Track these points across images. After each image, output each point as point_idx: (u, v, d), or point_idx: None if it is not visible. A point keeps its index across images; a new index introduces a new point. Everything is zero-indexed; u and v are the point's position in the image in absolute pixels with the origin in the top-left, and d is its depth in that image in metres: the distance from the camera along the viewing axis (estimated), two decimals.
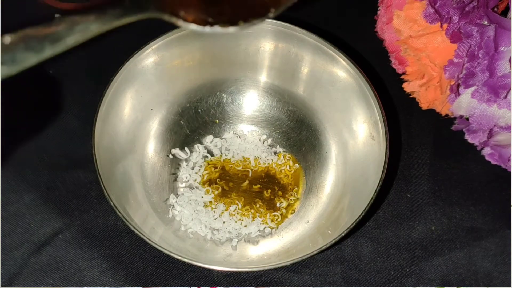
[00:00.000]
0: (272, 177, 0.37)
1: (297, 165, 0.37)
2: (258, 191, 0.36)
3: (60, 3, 0.46)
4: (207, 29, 0.18)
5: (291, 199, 0.36)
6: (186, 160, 0.37)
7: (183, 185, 0.36)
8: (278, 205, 0.36)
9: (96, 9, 0.17)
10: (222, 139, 0.38)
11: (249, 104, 0.39)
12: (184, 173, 0.37)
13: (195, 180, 0.36)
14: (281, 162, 0.37)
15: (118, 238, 0.35)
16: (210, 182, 0.36)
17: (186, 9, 0.19)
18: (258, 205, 0.36)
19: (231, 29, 0.19)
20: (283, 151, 0.38)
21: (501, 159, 0.36)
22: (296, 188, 0.36)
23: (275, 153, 0.38)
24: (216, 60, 0.37)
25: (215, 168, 0.37)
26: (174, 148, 0.37)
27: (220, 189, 0.36)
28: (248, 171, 0.37)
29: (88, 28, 0.17)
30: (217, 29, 0.18)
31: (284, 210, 0.35)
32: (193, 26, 0.18)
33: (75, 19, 0.16)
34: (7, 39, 0.15)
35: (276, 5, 0.19)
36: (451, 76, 0.34)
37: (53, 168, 0.37)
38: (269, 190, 0.36)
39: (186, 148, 0.38)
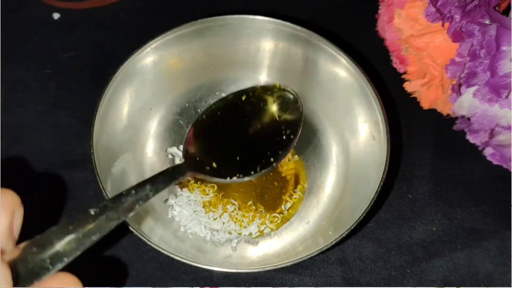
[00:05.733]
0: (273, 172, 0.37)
1: (296, 157, 0.37)
2: (257, 190, 0.36)
3: (60, 2, 0.45)
4: (228, 179, 0.25)
5: (294, 197, 0.36)
6: (181, 160, 0.37)
7: (181, 185, 0.36)
8: (283, 207, 0.35)
9: (150, 180, 0.22)
10: None
11: None
12: None
13: (189, 182, 0.36)
14: None
15: (116, 238, 0.34)
16: (202, 179, 0.36)
17: (210, 166, 0.25)
18: (257, 205, 0.35)
19: (246, 179, 0.25)
20: None
21: (503, 159, 0.36)
22: (300, 185, 0.36)
23: None
24: (215, 59, 0.37)
25: None
26: (171, 147, 0.37)
27: (215, 187, 0.36)
28: None
29: (147, 195, 0.21)
30: (234, 179, 0.25)
31: (286, 212, 0.35)
32: (217, 179, 0.25)
33: (137, 193, 0.21)
34: (92, 211, 0.19)
35: (275, 156, 0.26)
36: (453, 75, 0.34)
37: (49, 167, 0.37)
38: (269, 188, 0.36)
39: (181, 146, 0.37)
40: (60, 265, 0.17)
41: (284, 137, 0.26)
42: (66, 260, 0.18)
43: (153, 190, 0.22)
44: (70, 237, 0.18)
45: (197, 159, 0.26)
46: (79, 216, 0.19)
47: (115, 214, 0.19)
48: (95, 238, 0.19)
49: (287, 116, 0.27)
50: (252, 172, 0.25)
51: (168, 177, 0.23)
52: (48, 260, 0.17)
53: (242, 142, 0.26)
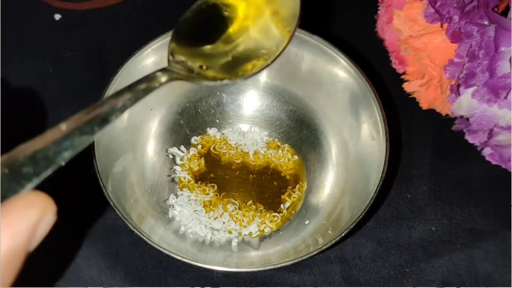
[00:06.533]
0: (272, 170, 0.37)
1: (295, 157, 0.37)
2: (257, 189, 0.36)
3: (61, 3, 0.46)
4: (219, 82, 0.22)
5: (293, 196, 0.36)
6: (182, 159, 0.37)
7: (181, 185, 0.36)
8: (282, 206, 0.35)
9: (128, 87, 0.19)
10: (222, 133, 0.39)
11: (249, 104, 0.39)
12: (181, 172, 0.37)
13: (189, 182, 0.36)
14: (279, 155, 0.37)
15: (117, 237, 0.34)
16: (202, 178, 0.36)
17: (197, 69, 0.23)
18: (257, 205, 0.35)
19: (239, 80, 0.23)
20: (278, 141, 0.38)
21: (502, 159, 0.36)
22: (299, 185, 0.36)
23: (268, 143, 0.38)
24: None
25: (200, 156, 0.37)
26: (172, 147, 0.37)
27: (215, 187, 0.36)
28: (244, 164, 0.37)
29: (124, 105, 0.19)
30: (226, 81, 0.22)
31: (285, 211, 0.35)
32: (206, 83, 0.22)
33: (114, 103, 0.18)
34: (63, 126, 0.17)
35: (271, 54, 0.23)
36: (452, 76, 0.34)
37: None
38: (268, 187, 0.36)
39: (182, 146, 0.37)
40: (29, 185, 0.16)
41: (280, 32, 0.24)
42: (36, 180, 0.16)
43: (131, 99, 0.19)
44: (39, 155, 0.16)
45: (183, 62, 0.23)
46: (49, 132, 0.17)
47: (89, 127, 0.17)
48: (67, 155, 0.17)
49: (283, 10, 0.24)
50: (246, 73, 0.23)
51: (150, 83, 0.20)
52: (16, 181, 0.15)
53: (233, 41, 0.23)
